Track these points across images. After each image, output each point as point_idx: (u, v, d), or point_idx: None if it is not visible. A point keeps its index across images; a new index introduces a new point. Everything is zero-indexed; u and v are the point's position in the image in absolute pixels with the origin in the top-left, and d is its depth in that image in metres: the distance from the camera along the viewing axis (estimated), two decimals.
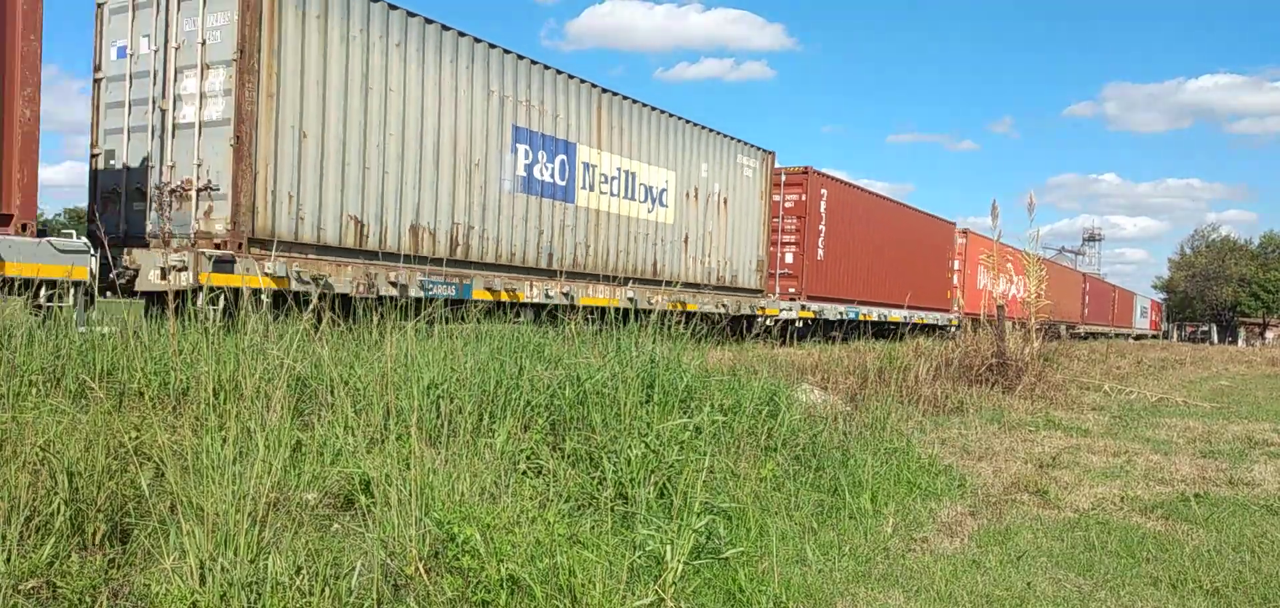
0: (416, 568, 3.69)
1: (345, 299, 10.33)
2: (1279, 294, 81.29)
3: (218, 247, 9.71)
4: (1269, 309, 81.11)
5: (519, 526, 4.03)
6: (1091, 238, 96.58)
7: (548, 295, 13.50)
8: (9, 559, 3.23)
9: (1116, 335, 52.60)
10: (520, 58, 13.52)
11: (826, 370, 11.25)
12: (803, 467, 6.28)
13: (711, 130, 17.98)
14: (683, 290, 16.54)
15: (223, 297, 8.61)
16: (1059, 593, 4.83)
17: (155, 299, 9.07)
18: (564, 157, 14.31)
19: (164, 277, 9.43)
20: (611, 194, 15.35)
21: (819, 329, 21.60)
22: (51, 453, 3.78)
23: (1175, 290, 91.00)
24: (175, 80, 10.33)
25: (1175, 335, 76.94)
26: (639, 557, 4.10)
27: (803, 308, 20.62)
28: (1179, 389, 17.07)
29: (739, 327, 17.94)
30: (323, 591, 3.40)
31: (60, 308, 7.05)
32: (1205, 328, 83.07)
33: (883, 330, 24.77)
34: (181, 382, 5.05)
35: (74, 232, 8.55)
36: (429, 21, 12.15)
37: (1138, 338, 55.91)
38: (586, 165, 14.75)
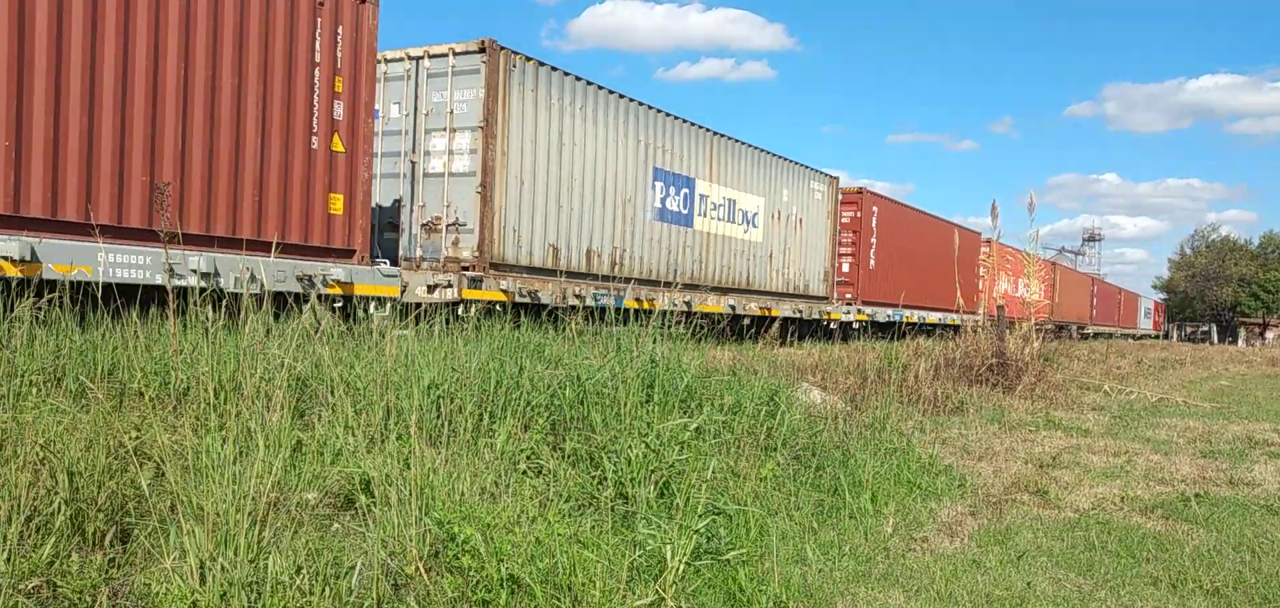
0: (417, 568, 3.69)
1: (547, 308, 12.99)
2: (1279, 294, 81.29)
3: (466, 270, 12.51)
4: (1269, 309, 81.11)
5: (519, 525, 4.03)
6: (1091, 238, 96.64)
7: (673, 304, 15.58)
8: (9, 559, 3.23)
9: (1123, 336, 54.19)
10: (657, 111, 16.16)
11: (826, 370, 11.25)
12: (803, 467, 6.28)
13: (791, 161, 20.86)
14: (769, 298, 19.72)
15: (475, 306, 10.94)
16: (1059, 593, 4.83)
17: (417, 308, 10.93)
18: (687, 189, 17.16)
19: (430, 292, 11.97)
20: (718, 219, 18.22)
21: (871, 330, 24.01)
22: (52, 453, 3.78)
23: (1175, 290, 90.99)
24: (424, 139, 13.14)
25: (1175, 335, 76.98)
26: (639, 556, 4.10)
27: (859, 311, 23.53)
28: (1179, 389, 17.08)
29: (810, 328, 21.30)
30: (323, 590, 3.40)
31: (375, 315, 9.91)
32: (1205, 328, 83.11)
33: (922, 330, 26.23)
34: (182, 382, 5.05)
35: (387, 260, 11.24)
36: (599, 88, 14.69)
37: (1141, 338, 57.18)
38: (701, 196, 17.60)
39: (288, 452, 4.20)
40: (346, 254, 10.29)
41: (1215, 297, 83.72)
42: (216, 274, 8.60)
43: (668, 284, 16.18)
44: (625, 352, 6.45)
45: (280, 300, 8.78)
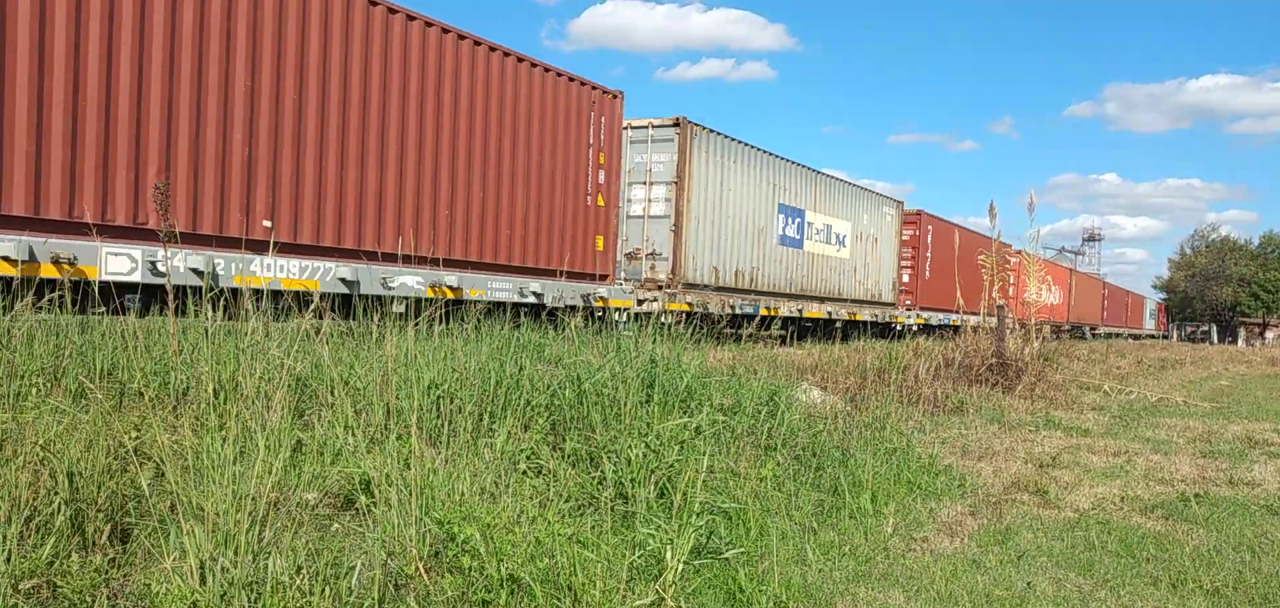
0: (417, 568, 3.69)
1: (711, 317, 17.32)
2: (1279, 294, 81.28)
3: (662, 288, 16.75)
4: (1269, 309, 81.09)
5: (519, 525, 4.03)
6: (1091, 238, 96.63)
7: (788, 311, 20.69)
8: (9, 559, 3.23)
9: (1130, 336, 57.12)
10: (779, 158, 20.22)
11: (826, 370, 11.25)
12: (803, 467, 6.28)
13: (868, 189, 25.04)
14: (855, 305, 24.16)
15: (670, 314, 14.61)
16: (1059, 593, 4.83)
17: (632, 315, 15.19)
18: (799, 219, 21.35)
19: (640, 304, 15.78)
20: (820, 241, 22.49)
21: (928, 331, 27.44)
22: (52, 453, 3.78)
23: (1175, 290, 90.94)
24: (626, 189, 17.04)
25: (1175, 335, 77.03)
26: (639, 556, 4.10)
27: (918, 315, 27.80)
28: (1179, 389, 17.07)
29: (882, 331, 25.47)
30: (323, 590, 3.40)
31: (616, 318, 13.85)
32: (1205, 328, 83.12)
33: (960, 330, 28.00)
34: (182, 382, 5.05)
35: (632, 282, 16.24)
36: (743, 144, 18.84)
37: (1147, 338, 59.22)
38: (809, 223, 21.80)
39: (288, 452, 4.20)
40: (603, 278, 14.63)
41: (1215, 297, 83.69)
42: (542, 294, 12.99)
43: (784, 295, 20.76)
44: (625, 352, 6.45)
45: (570, 310, 12.91)
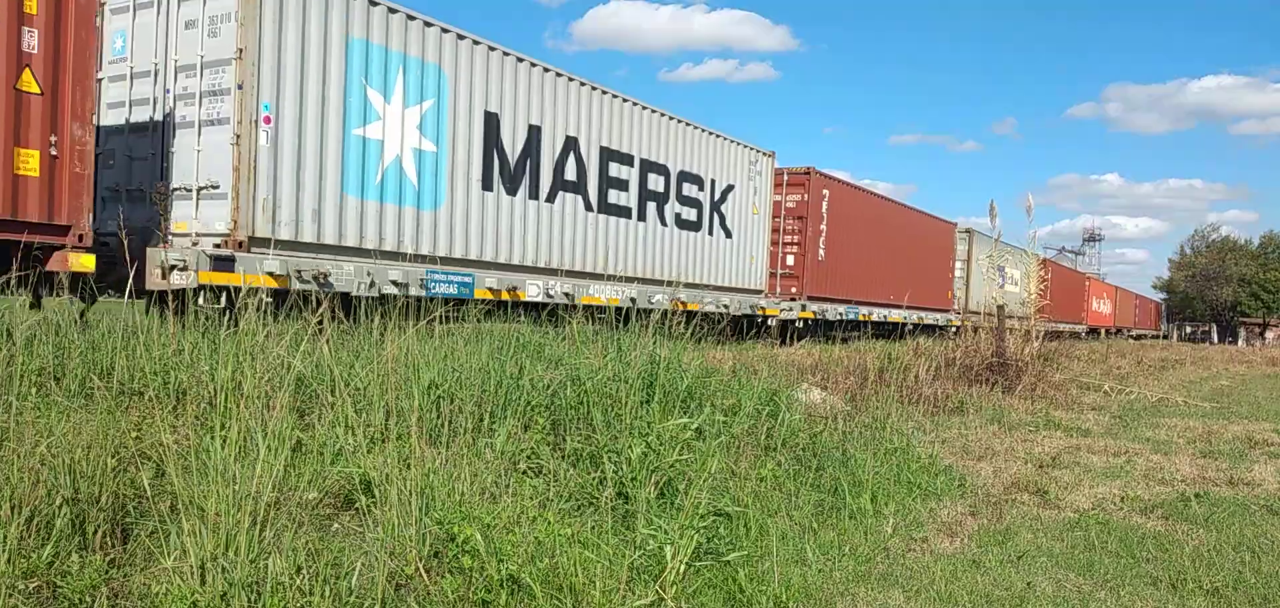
0: (417, 568, 3.69)
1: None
2: (1279, 294, 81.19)
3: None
4: (1269, 309, 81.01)
5: (519, 525, 4.03)
6: (1091, 238, 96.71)
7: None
8: (9, 559, 3.23)
9: (1138, 336, 64.24)
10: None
11: (826, 370, 11.24)
12: (803, 467, 6.27)
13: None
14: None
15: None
16: (1059, 593, 4.83)
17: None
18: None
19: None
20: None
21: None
22: (52, 453, 3.78)
23: (1175, 291, 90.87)
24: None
25: (1175, 336, 77.06)
26: (639, 557, 4.10)
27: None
28: (1179, 389, 17.06)
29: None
30: (323, 590, 3.40)
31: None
32: (1205, 328, 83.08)
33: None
34: (184, 382, 5.05)
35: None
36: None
37: (1155, 338, 64.64)
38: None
39: (288, 452, 4.19)
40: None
41: (1215, 297, 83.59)
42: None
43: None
44: (626, 352, 6.45)
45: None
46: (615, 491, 4.79)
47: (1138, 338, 59.64)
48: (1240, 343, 65.99)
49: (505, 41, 13.59)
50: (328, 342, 5.45)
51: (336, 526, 4.11)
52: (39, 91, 7.80)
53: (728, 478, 5.49)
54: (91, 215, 8.18)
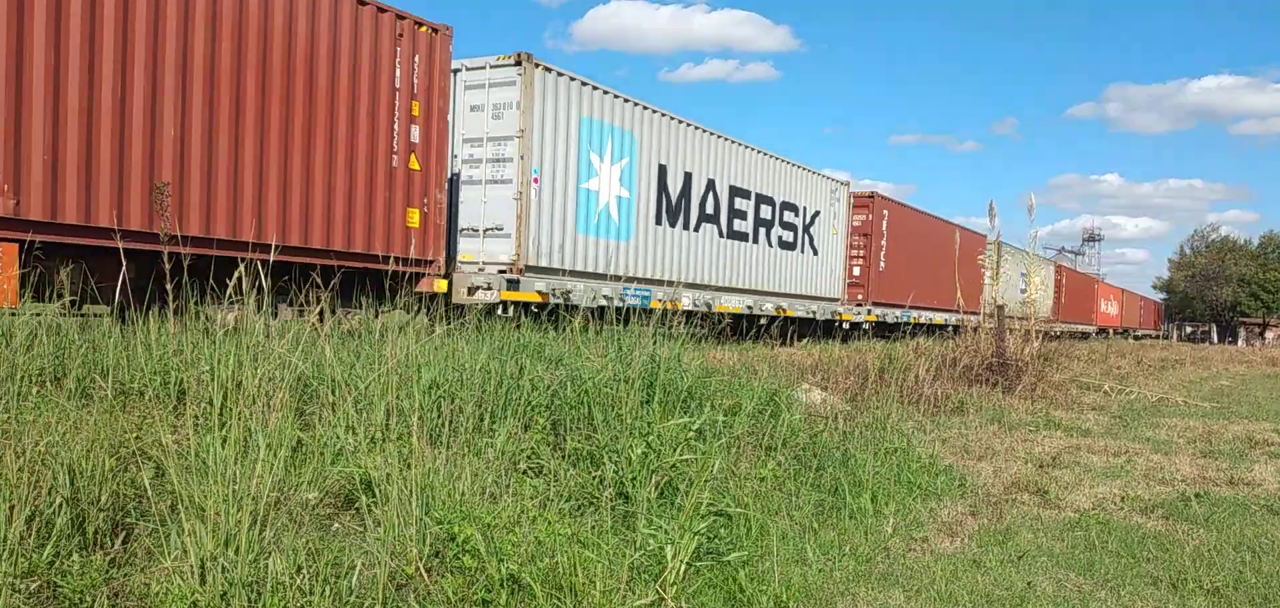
0: (417, 567, 3.69)
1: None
2: (1279, 294, 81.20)
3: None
4: (1269, 309, 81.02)
5: (519, 525, 4.03)
6: (1091, 238, 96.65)
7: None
8: (9, 559, 3.23)
9: (1141, 336, 66.08)
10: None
11: (826, 370, 11.24)
12: (803, 467, 6.27)
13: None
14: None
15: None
16: (1059, 593, 4.83)
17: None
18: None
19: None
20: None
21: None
22: (52, 453, 3.78)
23: (1175, 291, 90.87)
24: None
25: (1175, 335, 77.13)
26: (639, 556, 4.10)
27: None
28: (1179, 389, 17.07)
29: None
30: (323, 590, 3.40)
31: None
32: (1205, 328, 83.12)
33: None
34: (183, 381, 5.05)
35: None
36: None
37: (1155, 338, 66.26)
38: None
39: (288, 451, 4.19)
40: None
41: (1215, 297, 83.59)
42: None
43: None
44: (626, 352, 6.45)
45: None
46: (615, 491, 4.79)
47: (1140, 338, 61.18)
48: (1240, 343, 66.07)
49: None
50: (327, 342, 5.45)
51: (337, 525, 4.11)
52: (419, 169, 11.38)
53: (728, 478, 5.49)
54: (444, 254, 11.79)
